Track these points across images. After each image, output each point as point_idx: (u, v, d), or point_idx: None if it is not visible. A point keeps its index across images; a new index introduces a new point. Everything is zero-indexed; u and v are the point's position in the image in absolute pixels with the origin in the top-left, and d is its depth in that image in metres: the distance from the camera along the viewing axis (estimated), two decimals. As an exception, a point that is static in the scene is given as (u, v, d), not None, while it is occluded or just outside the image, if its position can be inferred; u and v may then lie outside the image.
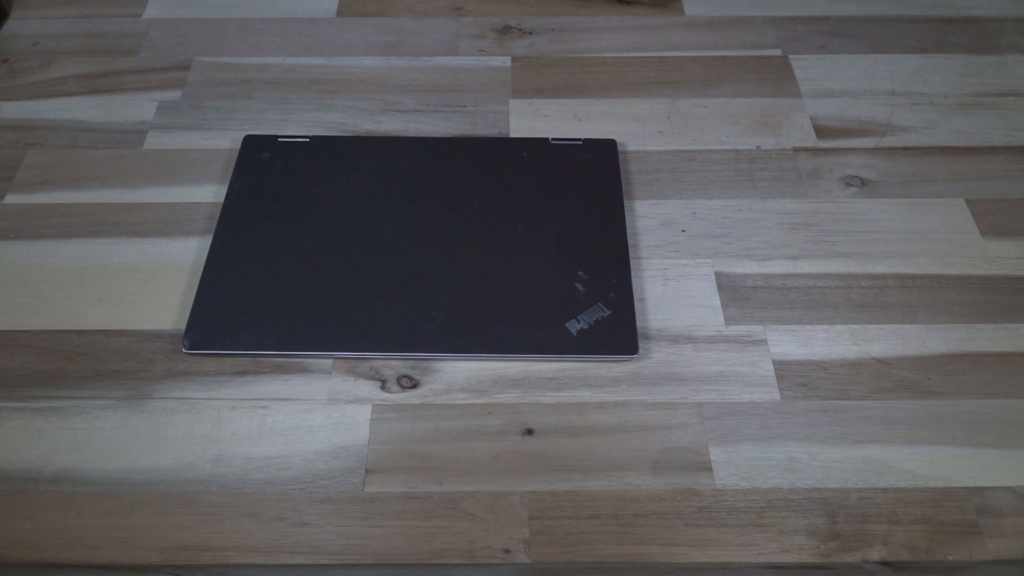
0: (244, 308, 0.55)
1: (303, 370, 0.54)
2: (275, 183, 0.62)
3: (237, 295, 0.56)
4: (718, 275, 0.59)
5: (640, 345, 0.54)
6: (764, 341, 0.55)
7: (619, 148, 0.66)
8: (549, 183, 0.62)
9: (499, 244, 0.59)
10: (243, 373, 0.54)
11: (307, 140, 0.65)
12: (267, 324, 0.54)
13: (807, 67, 0.73)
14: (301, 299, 0.56)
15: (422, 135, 0.67)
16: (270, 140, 0.65)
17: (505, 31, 0.77)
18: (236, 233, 0.59)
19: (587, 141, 0.66)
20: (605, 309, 0.55)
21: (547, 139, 0.66)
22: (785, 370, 0.54)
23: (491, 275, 0.57)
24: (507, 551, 0.47)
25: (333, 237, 0.59)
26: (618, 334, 0.54)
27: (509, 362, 0.54)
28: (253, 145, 0.65)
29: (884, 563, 0.47)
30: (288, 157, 0.64)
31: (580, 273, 0.57)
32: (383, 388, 0.53)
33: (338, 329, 0.54)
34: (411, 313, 0.55)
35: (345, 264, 0.57)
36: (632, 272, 0.58)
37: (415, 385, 0.54)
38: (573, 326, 0.54)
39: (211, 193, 0.63)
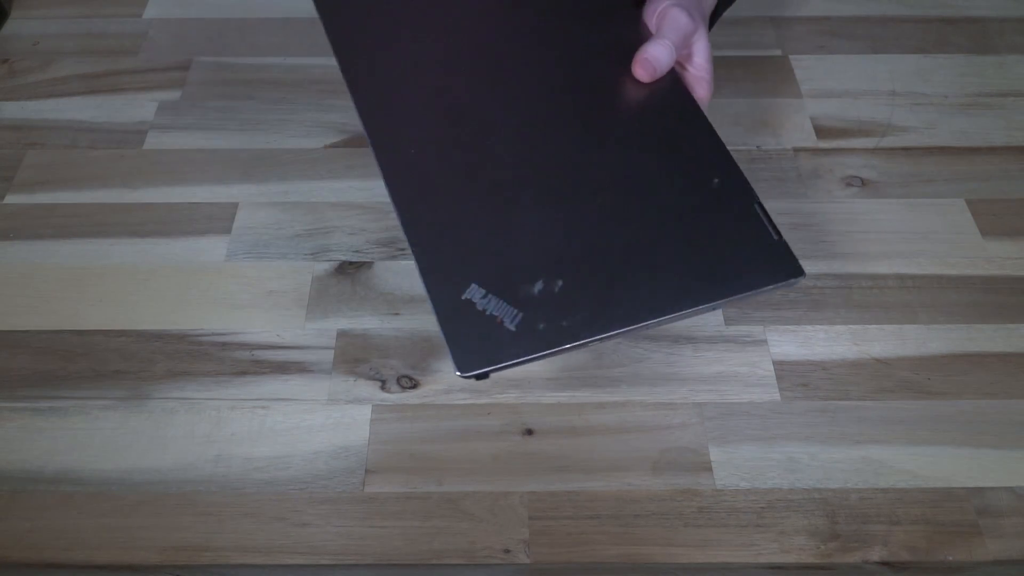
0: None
1: (303, 370, 0.54)
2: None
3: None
4: (718, 275, 0.59)
5: (640, 345, 0.54)
6: (764, 341, 0.55)
7: None
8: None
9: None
10: (243, 373, 0.54)
11: None
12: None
13: (807, 67, 0.73)
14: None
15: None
16: None
17: (505, 31, 0.76)
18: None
19: None
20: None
21: None
22: (785, 370, 0.54)
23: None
24: (507, 551, 0.47)
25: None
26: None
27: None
28: None
29: (884, 563, 0.47)
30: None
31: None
32: (383, 388, 0.53)
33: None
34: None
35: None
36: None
37: (415, 385, 0.54)
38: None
39: (211, 193, 0.63)
